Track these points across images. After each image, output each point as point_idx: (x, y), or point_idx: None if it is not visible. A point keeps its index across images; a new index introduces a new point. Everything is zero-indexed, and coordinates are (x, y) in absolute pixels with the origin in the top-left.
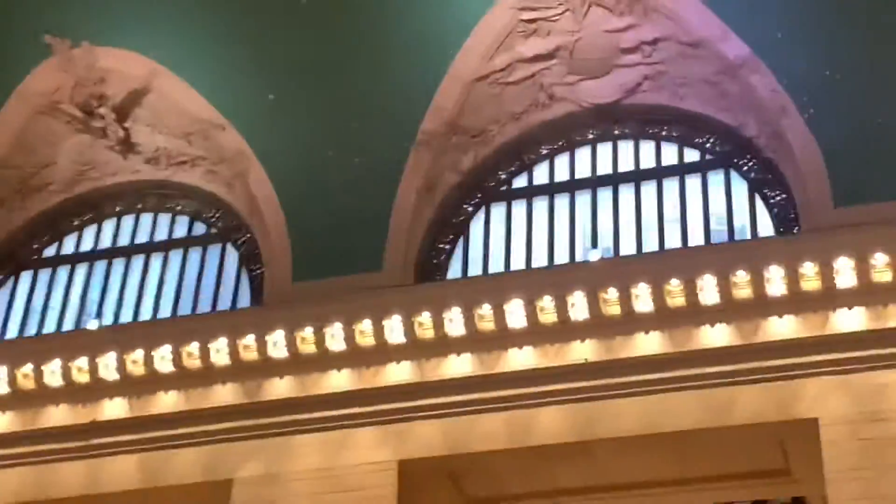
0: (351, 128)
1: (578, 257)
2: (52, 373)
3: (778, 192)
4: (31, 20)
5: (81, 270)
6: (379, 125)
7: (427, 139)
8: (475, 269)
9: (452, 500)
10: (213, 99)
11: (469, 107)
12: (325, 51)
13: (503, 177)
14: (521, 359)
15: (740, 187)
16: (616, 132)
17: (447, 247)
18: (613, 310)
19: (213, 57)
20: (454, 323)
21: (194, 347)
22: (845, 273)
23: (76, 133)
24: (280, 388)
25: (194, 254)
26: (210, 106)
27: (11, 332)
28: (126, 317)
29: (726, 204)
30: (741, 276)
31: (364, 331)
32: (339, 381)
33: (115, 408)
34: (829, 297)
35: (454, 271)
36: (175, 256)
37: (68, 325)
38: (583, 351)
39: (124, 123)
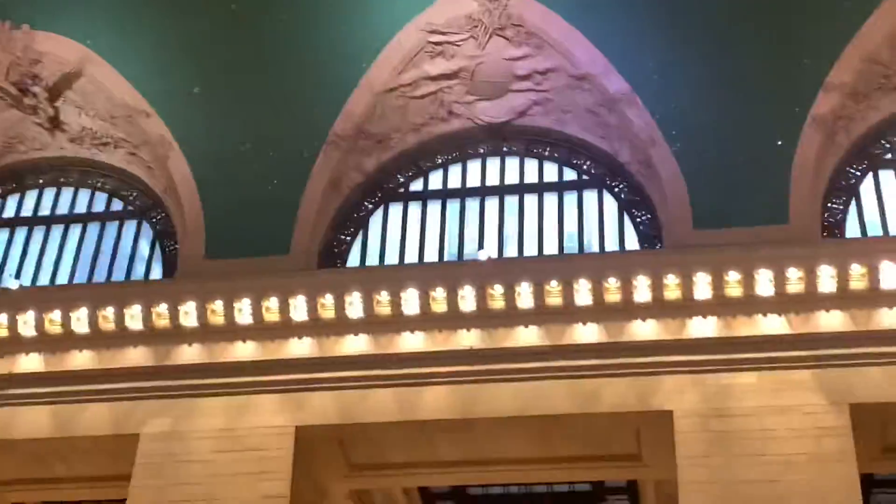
0: (268, 124)
1: (465, 257)
2: None
3: (644, 213)
4: None
5: (2, 236)
6: (294, 124)
7: (336, 140)
8: (372, 261)
9: (341, 465)
10: (141, 86)
11: (376, 115)
12: (250, 52)
13: (401, 180)
14: (412, 342)
15: (611, 206)
16: (504, 149)
17: (348, 238)
18: (498, 304)
19: (144, 47)
20: (354, 306)
21: (110, 312)
22: (702, 286)
23: (7, 108)
24: (189, 354)
25: (111, 227)
26: (137, 93)
27: None
28: (44, 280)
29: (598, 219)
30: (612, 283)
31: (271, 307)
32: (244, 351)
33: (31, 362)
34: (688, 307)
35: (352, 261)
36: (93, 228)
37: None
38: (469, 339)
39: (55, 103)
